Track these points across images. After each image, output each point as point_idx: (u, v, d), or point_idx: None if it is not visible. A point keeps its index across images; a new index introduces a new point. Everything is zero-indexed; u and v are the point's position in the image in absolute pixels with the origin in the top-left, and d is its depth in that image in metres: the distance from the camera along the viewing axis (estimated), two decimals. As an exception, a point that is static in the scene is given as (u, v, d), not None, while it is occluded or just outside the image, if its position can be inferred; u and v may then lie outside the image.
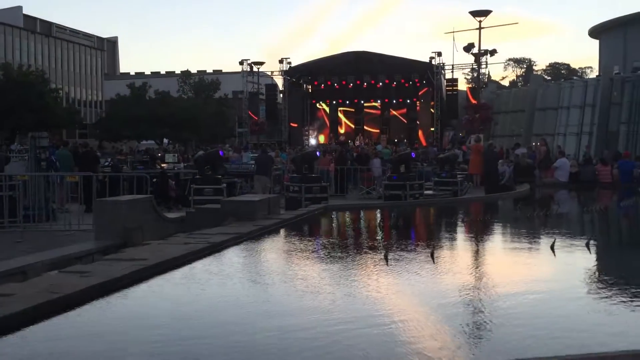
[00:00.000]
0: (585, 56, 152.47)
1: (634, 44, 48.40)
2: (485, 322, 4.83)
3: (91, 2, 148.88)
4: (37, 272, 7.04)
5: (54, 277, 5.93)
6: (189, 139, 46.78)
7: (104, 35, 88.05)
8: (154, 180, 15.43)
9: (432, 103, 37.69)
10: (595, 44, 63.39)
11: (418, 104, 40.38)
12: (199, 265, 6.96)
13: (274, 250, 8.85)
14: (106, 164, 19.38)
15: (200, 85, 58.37)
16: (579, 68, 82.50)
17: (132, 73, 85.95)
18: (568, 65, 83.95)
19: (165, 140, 47.23)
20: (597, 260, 8.05)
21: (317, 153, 17.21)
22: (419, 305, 5.36)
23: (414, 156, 18.10)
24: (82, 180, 12.50)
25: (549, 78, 69.78)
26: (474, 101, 34.23)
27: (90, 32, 78.77)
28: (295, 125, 40.86)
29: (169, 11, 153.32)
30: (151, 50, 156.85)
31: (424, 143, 34.03)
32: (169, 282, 6.25)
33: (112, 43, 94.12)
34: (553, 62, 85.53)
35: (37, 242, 9.47)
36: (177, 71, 66.34)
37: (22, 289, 5.19)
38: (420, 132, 39.24)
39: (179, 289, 6.10)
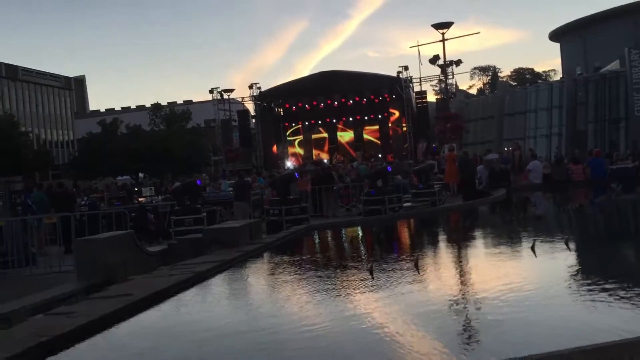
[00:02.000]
0: (548, 59, 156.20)
1: (593, 44, 49.73)
2: (469, 325, 4.91)
3: (56, 42, 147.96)
4: (21, 317, 6.92)
5: (39, 320, 5.86)
6: (165, 172, 46.48)
7: (71, 75, 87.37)
8: (133, 215, 15.31)
9: (403, 116, 38.09)
10: (556, 47, 65.03)
11: (390, 119, 40.79)
12: (186, 296, 6.94)
13: (259, 275, 8.85)
14: (83, 202, 19.17)
15: (172, 117, 58.16)
16: (543, 72, 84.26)
17: (102, 110, 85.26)
18: (532, 69, 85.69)
19: (141, 175, 46.87)
20: (576, 258, 8.20)
21: (296, 174, 17.26)
22: (404, 313, 5.41)
23: (390, 170, 18.26)
24: (60, 221, 12.35)
25: (515, 83, 71.07)
26: (442, 113, 34.81)
27: (57, 72, 78.08)
28: (270, 149, 40.96)
29: (135, 46, 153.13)
30: (120, 85, 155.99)
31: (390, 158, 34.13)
32: (157, 315, 6.22)
33: (80, 81, 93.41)
34: (517, 67, 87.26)
35: (19, 288, 9.30)
36: (148, 104, 66.06)
37: (8, 335, 5.12)
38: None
39: (167, 321, 6.08)
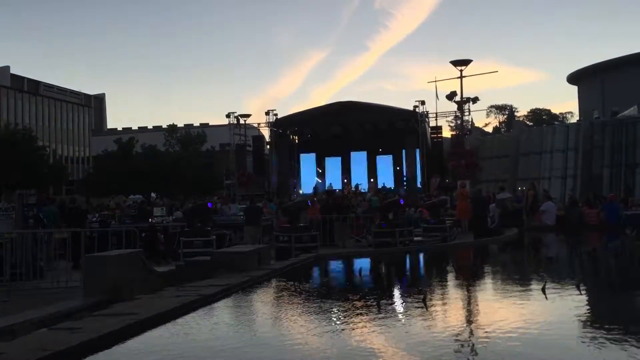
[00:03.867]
0: (565, 102, 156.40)
1: (611, 89, 49.74)
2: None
3: (78, 60, 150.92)
4: (26, 330, 6.90)
5: (43, 334, 5.83)
6: (177, 193, 46.70)
7: (92, 92, 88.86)
8: (143, 234, 15.32)
9: (418, 150, 38.12)
10: (574, 89, 65.14)
11: (404, 152, 40.84)
12: (190, 318, 6.90)
13: (265, 301, 8.79)
14: (94, 219, 19.24)
15: (187, 139, 58.70)
16: (560, 113, 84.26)
17: (120, 129, 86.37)
18: (549, 110, 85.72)
19: (153, 195, 47.09)
20: (587, 302, 8.06)
21: (309, 202, 17.25)
22: (408, 350, 5.33)
23: (402, 203, 18.18)
24: (70, 237, 12.39)
25: (531, 124, 71.04)
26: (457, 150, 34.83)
27: (78, 90, 79.43)
28: (283, 175, 41.07)
29: (156, 67, 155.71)
30: (138, 105, 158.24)
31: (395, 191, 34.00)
32: (160, 335, 6.18)
33: (99, 100, 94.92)
34: (534, 107, 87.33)
35: (25, 301, 9.30)
36: (164, 125, 66.84)
37: (12, 347, 5.10)
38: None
39: (171, 342, 6.03)
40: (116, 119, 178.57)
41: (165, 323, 6.48)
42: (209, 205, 16.98)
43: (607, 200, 21.48)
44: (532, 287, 9.13)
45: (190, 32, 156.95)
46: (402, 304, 7.84)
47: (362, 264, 13.66)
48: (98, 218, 19.49)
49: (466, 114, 36.11)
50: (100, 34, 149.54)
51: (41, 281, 11.25)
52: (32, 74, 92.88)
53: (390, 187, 37.27)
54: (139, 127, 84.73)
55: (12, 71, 69.19)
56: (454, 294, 9.36)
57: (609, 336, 5.67)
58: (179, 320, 6.71)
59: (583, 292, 8.21)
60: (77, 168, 68.50)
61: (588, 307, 7.67)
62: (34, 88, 69.68)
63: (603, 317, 6.94)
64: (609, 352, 5.11)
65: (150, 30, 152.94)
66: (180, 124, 65.87)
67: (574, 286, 8.37)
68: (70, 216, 15.54)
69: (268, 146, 43.66)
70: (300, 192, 40.01)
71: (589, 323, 6.60)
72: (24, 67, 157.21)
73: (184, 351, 5.61)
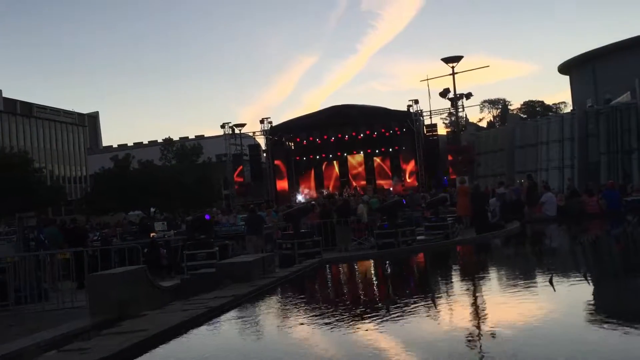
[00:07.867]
0: (557, 92, 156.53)
1: (602, 76, 49.89)
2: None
3: (70, 80, 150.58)
4: (34, 354, 6.86)
5: (53, 357, 5.80)
6: (176, 207, 46.66)
7: (85, 111, 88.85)
8: (145, 250, 15.28)
9: (414, 150, 38.13)
10: (565, 79, 65.33)
11: (400, 152, 40.84)
12: (200, 331, 6.86)
13: (273, 310, 8.76)
14: (95, 238, 19.22)
15: (183, 152, 58.68)
16: (553, 104, 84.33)
17: (115, 146, 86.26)
18: (542, 102, 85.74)
19: (152, 210, 47.06)
20: (595, 292, 8.04)
21: (312, 206, 17.18)
22: (419, 350, 5.30)
23: (405, 203, 18.14)
24: (73, 257, 12.35)
25: (525, 116, 71.11)
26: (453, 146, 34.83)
27: (71, 109, 79.40)
28: (281, 182, 41.06)
29: (148, 82, 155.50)
30: (133, 121, 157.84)
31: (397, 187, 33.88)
32: (171, 350, 6.14)
33: (93, 118, 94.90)
34: (527, 100, 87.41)
35: (31, 324, 9.25)
36: (160, 139, 66.79)
37: (22, 372, 5.07)
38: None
39: (182, 356, 5.99)
40: (111, 136, 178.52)
41: (175, 337, 6.44)
42: (207, 217, 16.90)
43: (606, 187, 21.50)
44: (539, 280, 9.11)
45: (180, 45, 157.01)
46: (410, 304, 7.81)
47: (367, 267, 13.62)
48: (99, 236, 19.46)
49: (460, 110, 36.14)
50: (90, 53, 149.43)
51: (46, 303, 11.20)
52: (25, 96, 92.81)
53: (389, 189, 37.20)
54: (134, 143, 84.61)
55: (5, 95, 69.15)
56: (462, 291, 9.33)
57: (619, 326, 5.65)
58: (189, 334, 6.68)
59: (590, 281, 8.19)
60: (74, 188, 68.39)
61: (597, 297, 7.65)
62: (27, 110, 69.61)
63: (612, 307, 6.92)
64: (620, 343, 5.08)
65: (140, 45, 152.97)
66: (175, 138, 65.88)
67: (581, 276, 8.35)
68: (71, 236, 15.51)
69: (264, 154, 43.66)
70: (299, 198, 39.96)
71: (599, 313, 6.58)
72: (15, 90, 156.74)
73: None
